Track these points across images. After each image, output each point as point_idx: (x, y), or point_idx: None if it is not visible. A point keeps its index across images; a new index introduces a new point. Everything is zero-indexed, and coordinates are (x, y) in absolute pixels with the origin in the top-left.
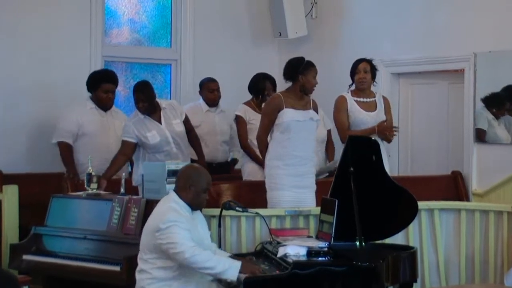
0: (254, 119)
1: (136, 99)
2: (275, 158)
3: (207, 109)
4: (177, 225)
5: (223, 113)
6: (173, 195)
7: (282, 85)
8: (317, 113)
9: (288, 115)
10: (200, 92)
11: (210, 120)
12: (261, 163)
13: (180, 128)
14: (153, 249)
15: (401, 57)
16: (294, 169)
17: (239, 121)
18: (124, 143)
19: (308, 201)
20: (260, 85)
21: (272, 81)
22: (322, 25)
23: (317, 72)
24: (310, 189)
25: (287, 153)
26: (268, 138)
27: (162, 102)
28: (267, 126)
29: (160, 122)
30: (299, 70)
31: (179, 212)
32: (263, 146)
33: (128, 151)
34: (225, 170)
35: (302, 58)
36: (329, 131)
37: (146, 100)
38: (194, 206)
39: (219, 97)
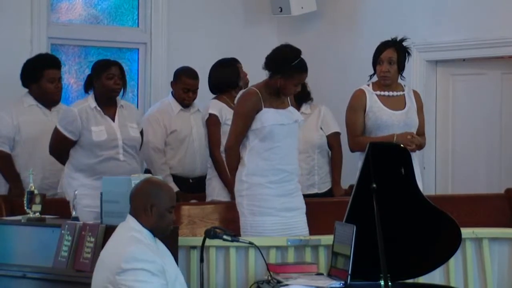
0: (229, 118)
1: (112, 75)
2: (255, 174)
3: (180, 108)
4: (146, 270)
5: (199, 112)
6: (132, 221)
7: None
8: (296, 107)
9: (269, 118)
10: (173, 84)
11: (185, 123)
12: (228, 182)
13: (136, 134)
14: None
15: (439, 40)
16: (281, 188)
17: (212, 121)
18: (60, 136)
19: (299, 227)
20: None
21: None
22: None
23: (303, 79)
24: (300, 211)
25: (271, 167)
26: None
27: (119, 100)
28: (241, 132)
29: (114, 120)
30: (281, 70)
31: (145, 243)
32: (235, 158)
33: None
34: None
35: (295, 55)
36: (337, 136)
37: (122, 78)
38: (158, 232)
39: (194, 99)
